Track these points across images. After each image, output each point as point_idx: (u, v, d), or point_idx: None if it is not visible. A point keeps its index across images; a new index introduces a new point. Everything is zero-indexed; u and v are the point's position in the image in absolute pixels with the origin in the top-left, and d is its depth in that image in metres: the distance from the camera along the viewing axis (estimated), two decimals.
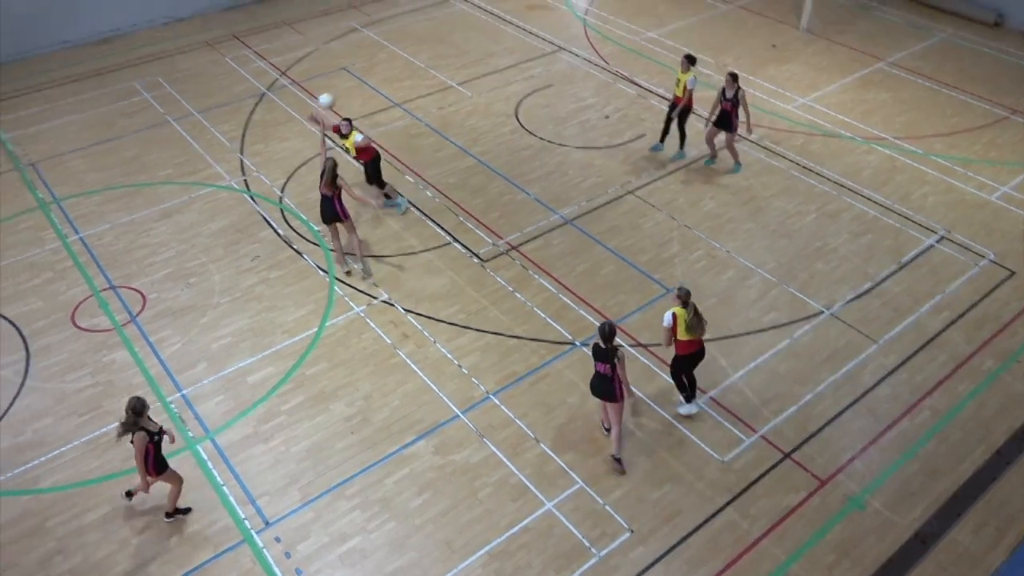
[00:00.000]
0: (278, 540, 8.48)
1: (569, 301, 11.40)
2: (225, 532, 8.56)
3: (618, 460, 9.09)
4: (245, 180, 13.90)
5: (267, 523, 8.64)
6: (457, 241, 12.52)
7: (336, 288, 11.63)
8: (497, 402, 9.94)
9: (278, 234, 12.70)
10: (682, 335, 8.98)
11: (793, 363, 10.44)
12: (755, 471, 9.16)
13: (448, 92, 16.56)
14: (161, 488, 8.64)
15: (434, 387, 10.13)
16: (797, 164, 14.15)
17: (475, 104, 16.10)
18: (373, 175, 12.92)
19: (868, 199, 13.30)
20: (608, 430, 9.40)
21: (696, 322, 8.94)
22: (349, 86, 16.82)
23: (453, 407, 9.88)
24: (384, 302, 11.41)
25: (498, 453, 9.34)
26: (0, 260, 12.23)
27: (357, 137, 12.44)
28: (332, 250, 12.04)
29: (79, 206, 13.44)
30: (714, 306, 11.19)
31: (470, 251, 12.31)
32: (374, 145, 12.96)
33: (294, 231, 12.77)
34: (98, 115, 16.03)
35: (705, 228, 12.73)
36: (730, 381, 10.20)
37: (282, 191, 13.62)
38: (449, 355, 10.58)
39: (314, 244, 12.46)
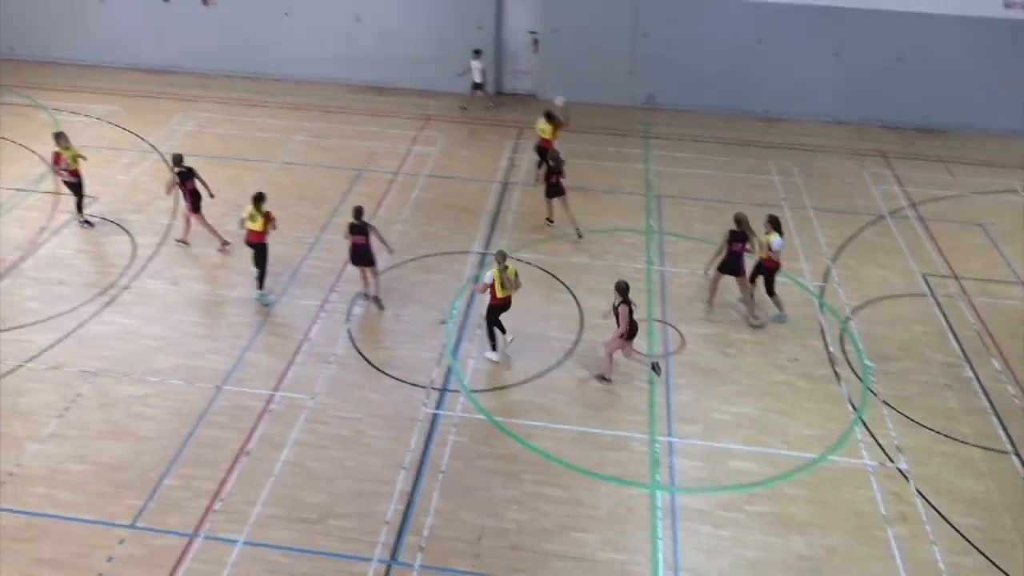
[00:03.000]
0: None
1: None
2: None
3: None
4: (823, 286, 13.81)
5: None
6: (1018, 456, 10.57)
7: (856, 429, 10.86)
8: None
9: (827, 350, 12.34)
10: (500, 292, 11.23)
11: None
12: None
13: None
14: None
15: None
16: None
17: None
18: (766, 285, 12.74)
19: None
20: None
21: (510, 280, 11.29)
22: (976, 243, 15.37)
23: None
24: (899, 471, 10.26)
25: None
26: (601, 260, 14.36)
27: (775, 241, 12.22)
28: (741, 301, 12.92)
29: (675, 245, 14.97)
30: None
31: None
32: (775, 257, 12.44)
33: (845, 355, 12.25)
34: (728, 177, 17.59)
35: None
36: None
37: (852, 313, 13.16)
38: (943, 566, 9.04)
39: (856, 377, 11.80)
